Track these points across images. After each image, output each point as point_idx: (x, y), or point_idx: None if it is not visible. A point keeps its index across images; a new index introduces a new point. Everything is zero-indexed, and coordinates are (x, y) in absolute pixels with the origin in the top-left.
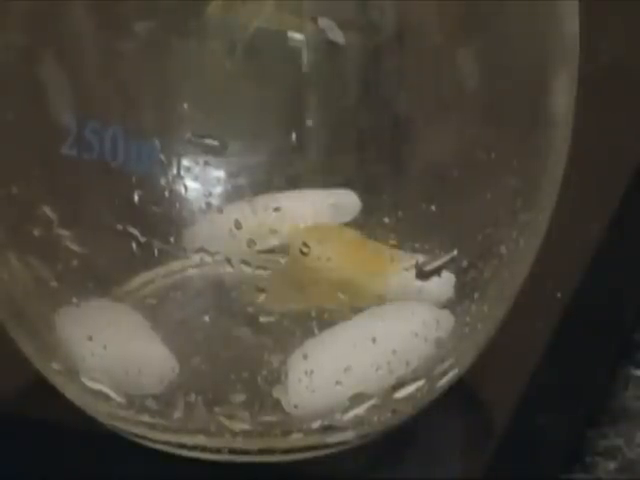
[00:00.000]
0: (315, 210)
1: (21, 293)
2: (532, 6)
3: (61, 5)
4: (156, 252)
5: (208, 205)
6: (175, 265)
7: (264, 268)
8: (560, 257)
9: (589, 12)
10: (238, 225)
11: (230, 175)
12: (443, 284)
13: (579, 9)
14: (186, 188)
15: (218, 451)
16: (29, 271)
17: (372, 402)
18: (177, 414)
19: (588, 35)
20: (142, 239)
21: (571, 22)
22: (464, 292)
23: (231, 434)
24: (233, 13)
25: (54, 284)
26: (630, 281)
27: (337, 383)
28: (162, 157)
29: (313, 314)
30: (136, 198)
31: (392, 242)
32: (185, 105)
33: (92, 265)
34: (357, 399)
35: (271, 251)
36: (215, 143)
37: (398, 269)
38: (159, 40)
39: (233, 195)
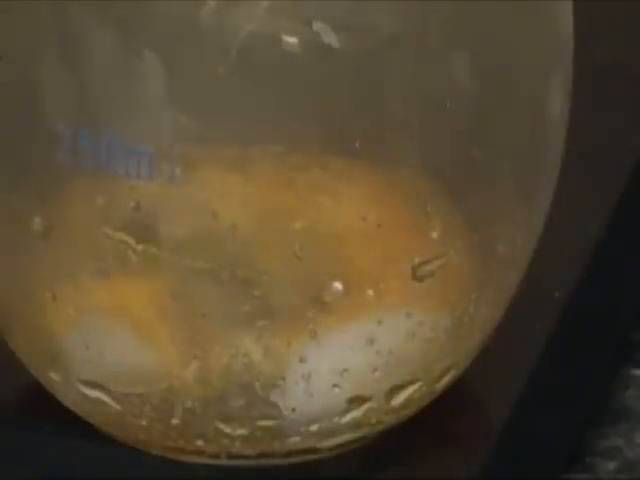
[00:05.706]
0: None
1: (18, 303)
2: (527, 6)
3: (57, 9)
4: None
5: (204, 210)
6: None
7: (260, 272)
8: (559, 256)
9: (589, 12)
10: (234, 230)
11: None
12: (439, 285)
13: (578, 9)
14: (182, 194)
15: (216, 456)
16: (25, 280)
17: (370, 404)
18: (175, 420)
19: (588, 35)
20: (138, 247)
21: (566, 22)
22: (461, 292)
23: (229, 439)
24: (226, 16)
25: (50, 293)
26: (629, 281)
27: (335, 386)
28: (157, 163)
29: (309, 317)
30: (131, 206)
31: (388, 242)
32: (179, 110)
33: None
34: (355, 402)
35: (266, 254)
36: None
37: (394, 270)
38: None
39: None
